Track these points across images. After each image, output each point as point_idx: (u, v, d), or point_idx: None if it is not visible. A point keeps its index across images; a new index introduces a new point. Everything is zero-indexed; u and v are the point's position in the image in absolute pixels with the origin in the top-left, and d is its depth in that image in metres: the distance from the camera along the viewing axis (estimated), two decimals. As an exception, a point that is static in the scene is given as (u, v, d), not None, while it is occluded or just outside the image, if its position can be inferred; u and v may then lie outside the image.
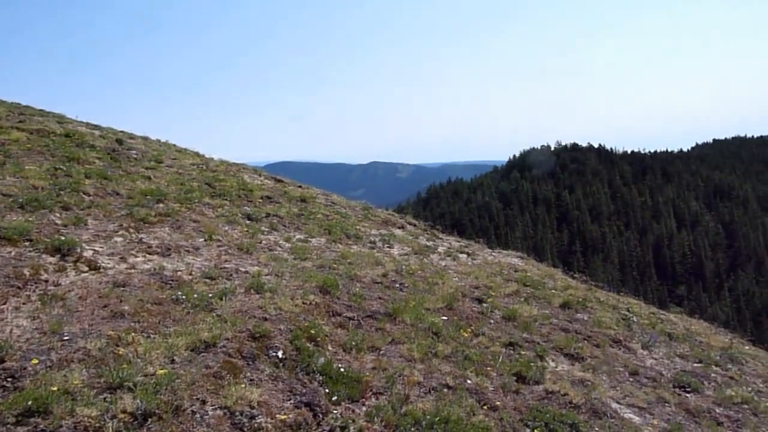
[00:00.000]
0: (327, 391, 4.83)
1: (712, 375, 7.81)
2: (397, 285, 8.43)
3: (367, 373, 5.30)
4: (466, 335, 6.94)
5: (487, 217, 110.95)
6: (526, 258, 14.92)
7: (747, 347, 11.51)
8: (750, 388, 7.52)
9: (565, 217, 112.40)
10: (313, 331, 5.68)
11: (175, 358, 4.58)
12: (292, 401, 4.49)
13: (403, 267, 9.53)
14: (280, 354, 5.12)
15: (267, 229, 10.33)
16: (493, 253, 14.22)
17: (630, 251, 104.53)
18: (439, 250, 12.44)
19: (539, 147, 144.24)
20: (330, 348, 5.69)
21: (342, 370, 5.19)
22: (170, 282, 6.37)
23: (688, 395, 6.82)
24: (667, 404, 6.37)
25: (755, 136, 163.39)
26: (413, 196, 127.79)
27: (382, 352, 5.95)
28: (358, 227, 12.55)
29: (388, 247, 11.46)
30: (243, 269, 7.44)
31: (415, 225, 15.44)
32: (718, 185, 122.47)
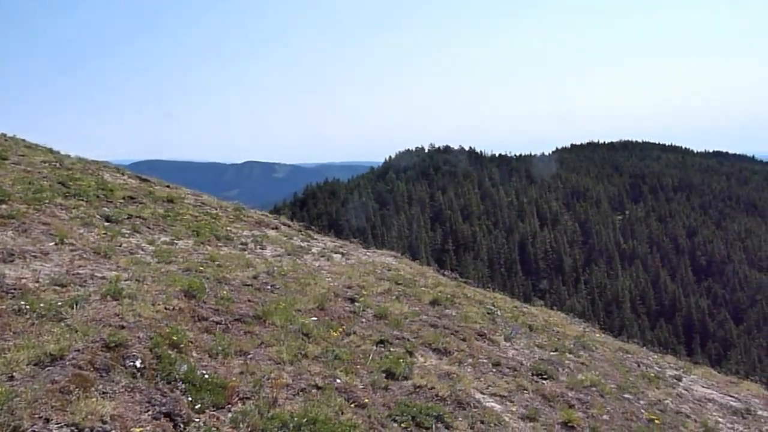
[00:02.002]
0: (190, 399, 4.62)
1: (566, 362, 8.38)
2: (268, 287, 8.26)
3: (234, 378, 5.14)
4: (337, 335, 6.94)
5: (364, 218, 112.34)
6: (399, 257, 15.25)
7: (598, 335, 12.52)
8: (598, 372, 8.17)
9: (438, 216, 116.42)
10: (175, 338, 5.41)
11: (14, 374, 4.16)
12: (150, 412, 4.24)
13: (275, 268, 9.37)
14: (138, 363, 4.83)
15: (128, 232, 9.73)
16: (368, 253, 14.38)
17: (498, 249, 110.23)
18: (313, 250, 12.37)
19: (413, 149, 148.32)
20: (194, 354, 5.45)
21: (207, 376, 4.99)
22: (12, 291, 5.79)
23: (544, 382, 7.27)
24: (525, 391, 6.75)
25: (606, 142, 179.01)
26: (290, 197, 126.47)
27: (250, 355, 5.79)
28: (229, 228, 12.19)
29: (260, 248, 11.22)
30: (99, 275, 6.94)
31: (289, 226, 15.28)
32: (575, 187, 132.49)
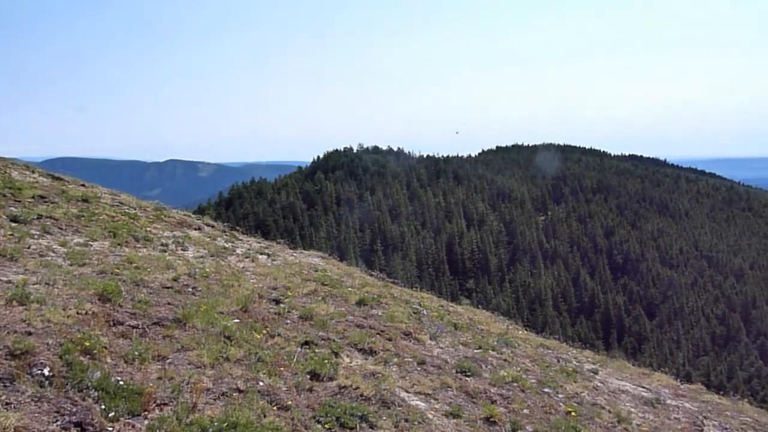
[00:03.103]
0: (103, 407, 4.43)
1: (490, 359, 8.58)
2: (190, 289, 8.03)
3: (151, 384, 4.96)
4: (261, 337, 6.82)
5: (292, 218, 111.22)
6: (327, 258, 15.18)
7: (521, 332, 12.89)
8: (519, 368, 8.41)
9: (367, 217, 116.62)
10: (88, 344, 5.16)
11: None
12: (59, 423, 4.04)
13: (197, 270, 9.11)
14: (46, 371, 4.57)
15: (38, 233, 9.21)
16: (295, 254, 14.24)
17: (426, 249, 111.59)
18: (237, 251, 12.12)
19: (342, 149, 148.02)
20: (109, 360, 5.22)
21: (122, 383, 4.80)
22: None
23: (468, 379, 7.41)
24: (449, 389, 6.85)
25: (530, 145, 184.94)
26: (215, 197, 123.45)
27: (169, 360, 5.61)
28: (148, 229, 11.75)
29: (182, 249, 10.89)
30: (4, 278, 6.54)
31: (213, 226, 14.91)
32: (501, 188, 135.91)
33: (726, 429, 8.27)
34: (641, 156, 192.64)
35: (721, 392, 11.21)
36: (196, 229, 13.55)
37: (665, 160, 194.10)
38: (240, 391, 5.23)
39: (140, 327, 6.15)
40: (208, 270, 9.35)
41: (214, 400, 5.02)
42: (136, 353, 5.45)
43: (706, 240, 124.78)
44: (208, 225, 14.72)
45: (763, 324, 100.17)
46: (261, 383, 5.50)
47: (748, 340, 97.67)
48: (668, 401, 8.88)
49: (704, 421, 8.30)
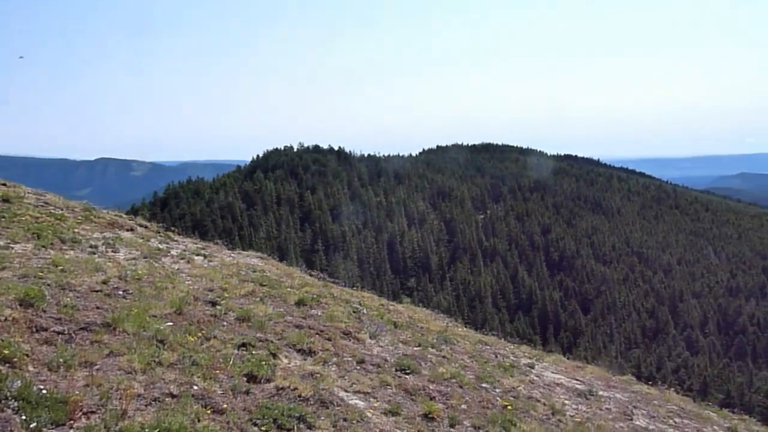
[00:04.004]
0: (24, 417, 4.21)
1: (429, 356, 8.64)
2: (120, 292, 7.73)
3: (78, 392, 4.74)
4: (195, 340, 6.63)
5: (230, 218, 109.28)
6: (266, 258, 14.96)
7: (460, 329, 13.05)
8: (458, 364, 8.50)
9: (307, 216, 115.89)
10: (7, 352, 4.90)
11: None
12: (-26, 436, 3.81)
13: (129, 272, 8.79)
14: (-40, 382, 4.31)
15: (-46, 236, 8.71)
16: (232, 254, 13.96)
17: (367, 248, 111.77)
18: (172, 253, 11.76)
19: (282, 148, 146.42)
20: (31, 368, 4.97)
21: (45, 391, 4.58)
22: None
23: (407, 376, 7.43)
24: (389, 387, 6.86)
25: (469, 144, 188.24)
26: (149, 197, 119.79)
27: (97, 366, 5.38)
28: (76, 230, 11.26)
29: (112, 251, 10.48)
30: None
31: (146, 227, 14.44)
32: (441, 187, 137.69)
33: (653, 417, 8.62)
34: (576, 156, 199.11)
35: (651, 383, 11.68)
36: (128, 230, 13.08)
37: (599, 160, 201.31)
38: (173, 396, 5.07)
39: (66, 333, 5.88)
40: (140, 272, 9.03)
41: (146, 406, 4.84)
42: (61, 360, 5.20)
43: (637, 237, 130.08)
44: (141, 226, 14.25)
45: (690, 317, 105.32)
46: (195, 387, 5.34)
47: (676, 332, 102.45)
48: (600, 392, 9.17)
49: (634, 411, 8.62)
